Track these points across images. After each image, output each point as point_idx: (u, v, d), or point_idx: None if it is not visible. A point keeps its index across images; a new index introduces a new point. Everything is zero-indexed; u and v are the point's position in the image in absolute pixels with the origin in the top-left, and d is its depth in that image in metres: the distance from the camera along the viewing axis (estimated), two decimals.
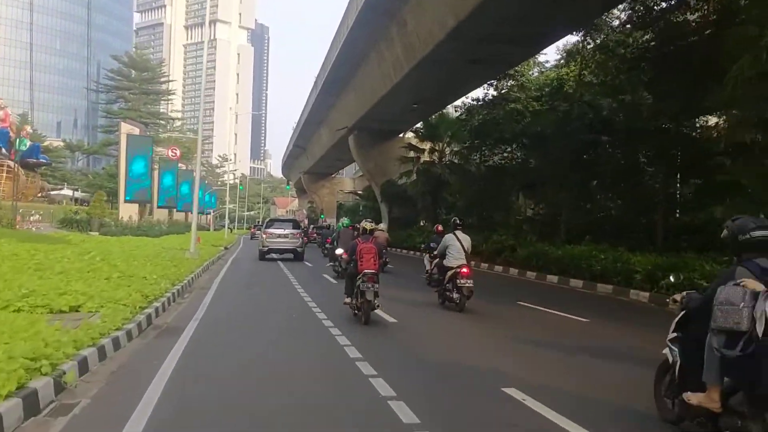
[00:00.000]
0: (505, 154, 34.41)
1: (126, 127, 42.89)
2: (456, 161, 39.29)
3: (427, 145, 41.20)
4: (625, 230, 20.96)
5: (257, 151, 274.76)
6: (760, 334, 4.07)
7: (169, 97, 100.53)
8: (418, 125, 42.86)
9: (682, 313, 5.14)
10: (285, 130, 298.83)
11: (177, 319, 10.61)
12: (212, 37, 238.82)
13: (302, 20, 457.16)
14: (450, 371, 7.19)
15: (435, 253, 14.12)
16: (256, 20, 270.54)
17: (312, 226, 60.76)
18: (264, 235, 28.22)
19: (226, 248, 39.51)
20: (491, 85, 34.88)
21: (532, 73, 36.52)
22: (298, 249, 27.58)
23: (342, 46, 35.59)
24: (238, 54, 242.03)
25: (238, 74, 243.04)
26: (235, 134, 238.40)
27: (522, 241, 25.22)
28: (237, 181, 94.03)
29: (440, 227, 18.68)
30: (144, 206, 56.94)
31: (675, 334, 5.15)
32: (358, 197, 72.01)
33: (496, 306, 13.60)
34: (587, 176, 24.80)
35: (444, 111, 40.94)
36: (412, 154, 41.33)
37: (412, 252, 38.23)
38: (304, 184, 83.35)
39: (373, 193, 54.97)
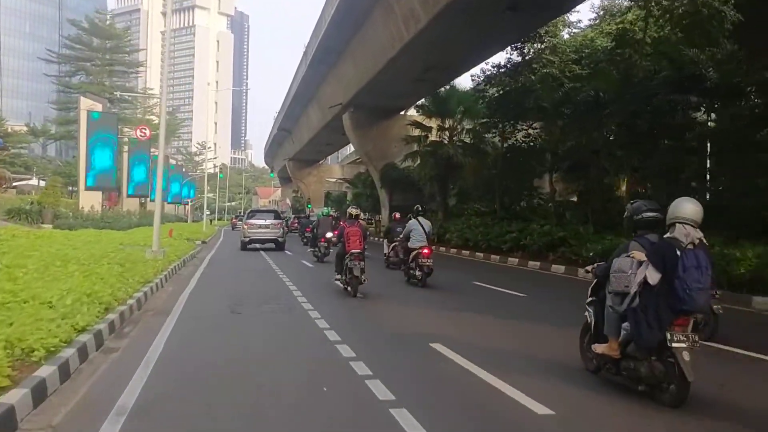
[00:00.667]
0: (531, 131, 28.92)
1: (86, 103, 36.69)
2: (470, 140, 33.76)
3: (434, 123, 35.52)
4: (731, 217, 15.41)
5: (238, 141, 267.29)
6: (637, 295, 5.28)
7: (138, 69, 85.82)
8: (424, 101, 37.16)
9: (595, 281, 6.15)
10: (266, 120, 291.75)
11: None
12: (190, 23, 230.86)
13: (283, 8, 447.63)
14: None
15: (400, 237, 15.87)
16: (235, 7, 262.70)
17: (294, 215, 59.62)
18: (245, 226, 28.21)
19: (203, 242, 33.70)
20: (516, 48, 29.31)
21: (563, 35, 30.99)
22: (279, 239, 27.67)
23: (339, 3, 29.79)
24: (218, 41, 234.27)
25: (217, 62, 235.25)
26: (215, 123, 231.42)
27: (578, 233, 19.71)
28: (217, 169, 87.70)
29: (398, 215, 19.83)
30: (111, 195, 50.80)
31: (591, 299, 6.21)
32: (349, 185, 66.30)
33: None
34: (672, 152, 19.27)
35: (453, 84, 35.22)
36: (417, 132, 35.64)
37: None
38: (290, 171, 77.34)
39: (367, 179, 49.44)
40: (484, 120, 30.93)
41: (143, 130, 36.81)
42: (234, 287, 13.78)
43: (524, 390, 5.51)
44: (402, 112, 42.05)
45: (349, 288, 12.03)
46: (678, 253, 5.10)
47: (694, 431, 4.82)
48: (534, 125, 28.55)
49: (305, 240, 29.77)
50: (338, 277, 12.59)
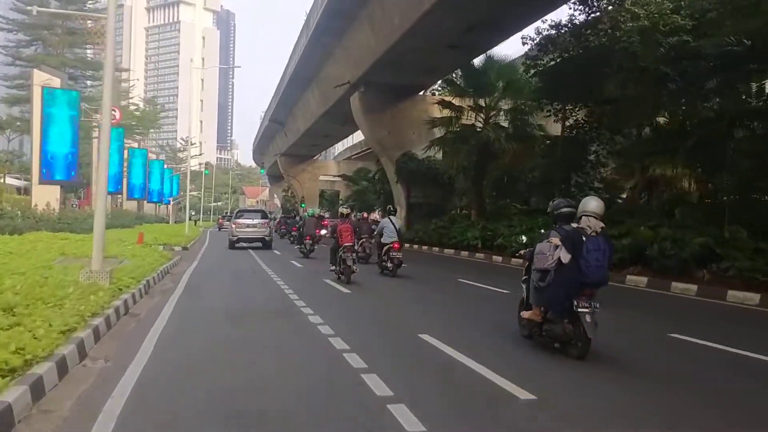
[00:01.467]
0: (595, 109, 22.46)
1: (40, 77, 29.52)
2: (509, 123, 27.27)
3: (465, 103, 28.87)
4: None
5: (224, 140, 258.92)
6: (553, 272, 6.69)
7: (97, 41, 70.10)
8: (452, 76, 30.46)
9: (527, 263, 7.58)
10: (253, 119, 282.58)
11: None
12: (175, 19, 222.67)
13: (271, 8, 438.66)
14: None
15: (374, 234, 17.69)
16: (221, 5, 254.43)
17: (281, 216, 56.35)
18: (233, 226, 28.79)
19: (184, 248, 26.82)
20: (584, 2, 22.69)
21: None
22: (266, 238, 28.19)
23: None
24: (203, 37, 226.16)
25: (203, 59, 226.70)
26: (201, 121, 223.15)
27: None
28: (202, 167, 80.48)
29: (365, 214, 22.69)
30: (87, 191, 43.68)
31: (524, 277, 7.64)
32: (349, 182, 59.54)
33: None
34: None
35: (490, 54, 28.50)
36: (445, 113, 29.03)
37: (449, 251, 26.24)
38: (281, 168, 70.36)
39: (376, 174, 42.70)
40: (534, 96, 24.41)
41: (112, 113, 29.75)
42: (231, 369, 6.24)
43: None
44: (421, 93, 35.34)
45: (342, 276, 13.84)
46: (583, 239, 6.62)
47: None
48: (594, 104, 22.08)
49: (292, 239, 31.20)
50: (333, 267, 14.52)
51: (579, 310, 6.49)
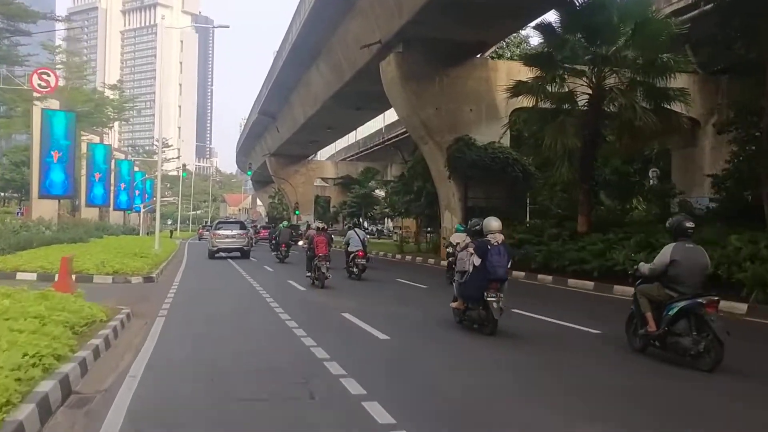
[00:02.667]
0: None
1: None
2: (651, 86, 17.85)
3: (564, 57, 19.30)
4: None
5: (202, 149, 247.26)
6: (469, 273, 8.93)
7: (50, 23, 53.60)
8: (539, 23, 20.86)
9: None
10: (231, 132, 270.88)
11: None
12: (152, 22, 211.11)
13: (251, 18, 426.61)
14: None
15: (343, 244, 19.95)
16: (200, 11, 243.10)
17: (263, 225, 56.70)
18: (213, 236, 29.15)
19: (148, 279, 16.69)
20: None
21: None
22: (245, 248, 28.62)
23: None
24: (181, 41, 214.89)
25: (181, 63, 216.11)
26: (179, 128, 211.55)
27: None
28: (179, 170, 69.77)
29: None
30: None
31: (448, 274, 14.57)
32: (353, 185, 49.91)
33: None
34: None
35: None
36: (529, 75, 19.49)
37: (542, 276, 17.18)
38: (271, 169, 60.25)
39: (375, 175, 33.05)
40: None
41: (44, 77, 19.84)
42: None
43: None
44: (479, 55, 25.65)
45: (317, 282, 15.48)
46: (489, 247, 8.68)
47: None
48: None
49: (272, 247, 31.04)
50: (308, 274, 16.23)
51: (488, 299, 8.61)
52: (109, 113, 53.24)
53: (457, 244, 11.45)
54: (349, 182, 51.86)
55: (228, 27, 55.05)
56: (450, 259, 14.79)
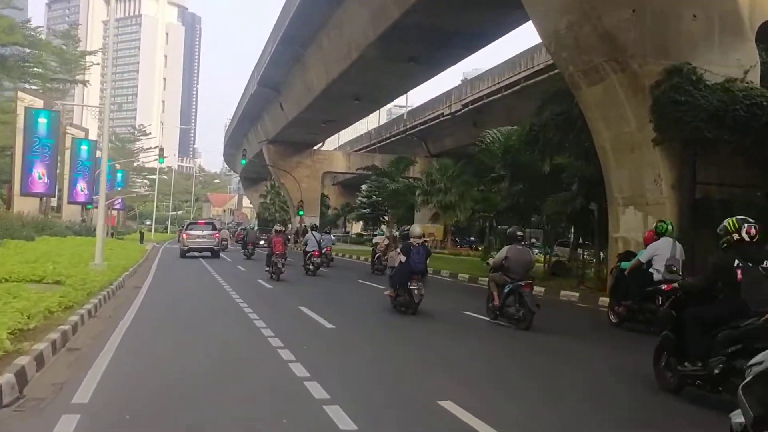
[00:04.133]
0: None
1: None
2: None
3: None
4: None
5: (186, 149, 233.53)
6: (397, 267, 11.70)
7: None
8: None
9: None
10: (216, 133, 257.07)
11: None
12: (136, 12, 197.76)
13: (240, 14, 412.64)
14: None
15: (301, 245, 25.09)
16: (186, 8, 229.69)
17: (242, 226, 56.08)
18: (185, 236, 29.26)
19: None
20: None
21: None
22: (215, 248, 29.07)
23: None
24: (167, 33, 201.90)
25: (166, 56, 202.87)
26: (162, 123, 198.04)
27: None
28: (155, 159, 57.24)
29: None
30: None
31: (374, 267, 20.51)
32: (380, 177, 38.38)
33: None
34: None
35: None
36: None
37: None
38: (270, 159, 48.30)
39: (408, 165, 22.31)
40: None
41: None
42: None
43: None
44: None
45: (273, 275, 17.64)
46: (411, 248, 11.00)
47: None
48: None
49: (242, 246, 32.43)
50: (267, 269, 18.43)
51: (410, 287, 10.80)
52: (53, 65, 39.92)
53: (377, 244, 21.42)
54: (377, 173, 39.98)
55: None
56: (378, 254, 21.01)
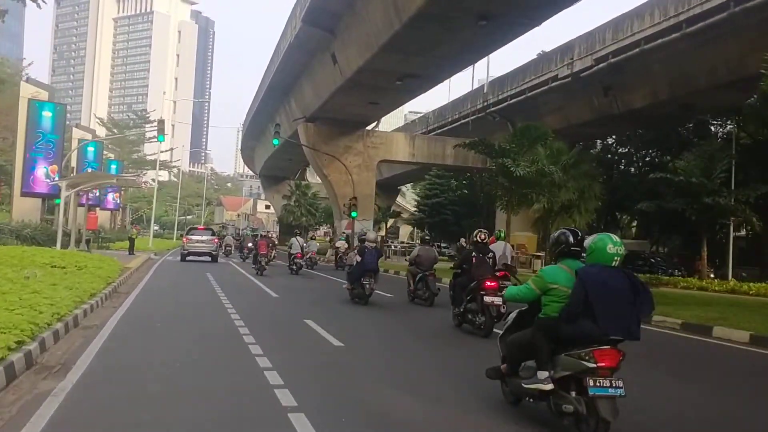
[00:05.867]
0: None
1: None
2: None
3: None
4: None
5: (197, 154, 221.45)
6: (354, 266, 14.37)
7: None
8: None
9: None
10: (228, 144, 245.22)
11: None
12: (148, 9, 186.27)
13: (253, 20, 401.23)
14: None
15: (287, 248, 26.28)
16: (200, 12, 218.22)
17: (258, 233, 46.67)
18: (185, 240, 30.33)
19: None
20: None
21: None
22: (213, 252, 29.66)
23: None
24: (179, 31, 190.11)
25: (178, 55, 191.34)
26: (173, 125, 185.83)
27: None
28: (159, 152, 44.54)
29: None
30: None
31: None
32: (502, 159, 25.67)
33: None
34: None
35: None
36: None
37: None
38: (307, 140, 35.13)
39: None
40: None
41: None
42: None
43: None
44: None
45: (258, 272, 21.19)
46: (366, 250, 13.14)
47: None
48: None
49: (239, 248, 37.00)
50: (254, 266, 22.00)
51: (363, 282, 13.08)
52: None
53: (338, 247, 28.48)
54: (489, 153, 26.71)
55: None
56: (339, 255, 27.65)
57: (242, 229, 73.36)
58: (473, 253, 9.97)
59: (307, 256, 25.03)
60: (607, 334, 4.25)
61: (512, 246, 37.25)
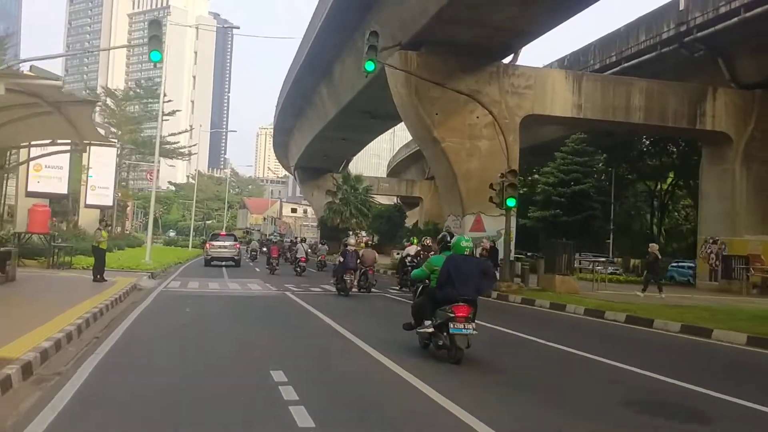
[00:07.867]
0: None
1: None
2: None
3: None
4: None
5: (216, 159, 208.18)
6: (337, 264, 17.71)
7: None
8: None
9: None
10: (247, 150, 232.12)
11: None
12: (164, 4, 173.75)
13: (272, 23, 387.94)
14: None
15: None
16: (218, 15, 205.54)
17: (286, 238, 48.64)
18: (208, 246, 30.60)
19: None
20: None
21: None
22: (236, 257, 30.15)
23: None
24: (197, 27, 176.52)
25: (196, 52, 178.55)
26: (190, 126, 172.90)
27: None
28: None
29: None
30: None
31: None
32: None
33: None
34: None
35: None
36: None
37: None
38: (406, 79, 20.55)
39: None
40: None
41: None
42: None
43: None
44: None
45: (270, 272, 24.62)
46: (347, 252, 16.28)
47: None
48: None
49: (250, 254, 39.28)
50: (267, 266, 25.78)
51: (344, 278, 15.86)
52: None
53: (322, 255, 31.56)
54: None
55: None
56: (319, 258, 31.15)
57: (269, 235, 59.74)
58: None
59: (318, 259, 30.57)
60: (461, 295, 7.11)
61: (743, 258, 22.58)
